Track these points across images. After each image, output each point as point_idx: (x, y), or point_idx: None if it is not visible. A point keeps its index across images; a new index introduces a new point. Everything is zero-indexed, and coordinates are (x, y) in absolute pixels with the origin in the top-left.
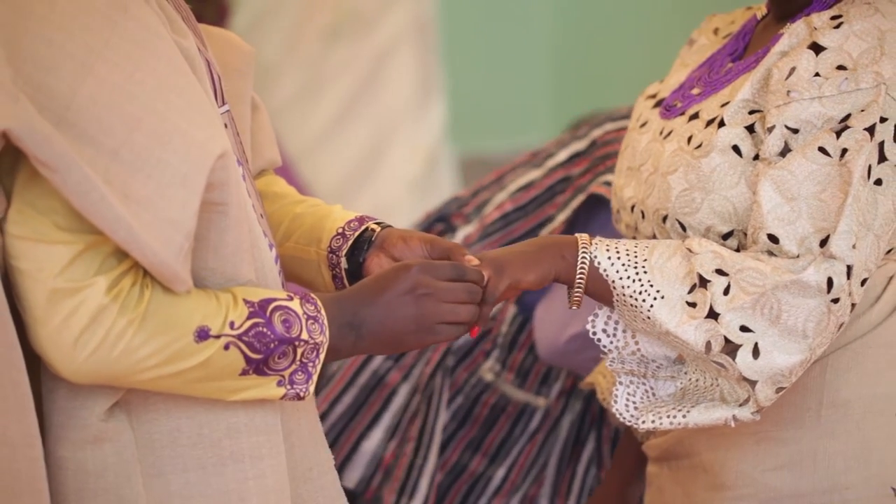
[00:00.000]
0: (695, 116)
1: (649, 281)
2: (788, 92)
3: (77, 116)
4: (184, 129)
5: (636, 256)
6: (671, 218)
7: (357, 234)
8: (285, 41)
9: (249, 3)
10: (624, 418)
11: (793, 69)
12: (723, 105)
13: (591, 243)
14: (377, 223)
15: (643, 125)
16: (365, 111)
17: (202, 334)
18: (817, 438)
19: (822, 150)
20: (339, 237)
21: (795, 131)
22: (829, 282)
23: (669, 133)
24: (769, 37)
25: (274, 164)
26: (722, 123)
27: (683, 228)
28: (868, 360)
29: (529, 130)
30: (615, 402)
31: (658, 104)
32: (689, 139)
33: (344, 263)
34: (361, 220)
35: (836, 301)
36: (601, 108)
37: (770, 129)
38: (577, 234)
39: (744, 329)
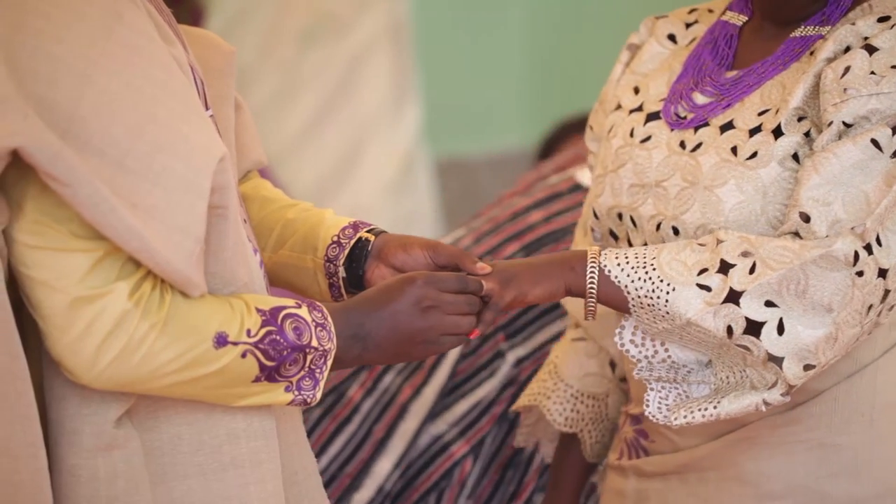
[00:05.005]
0: (728, 126)
1: (659, 277)
2: (846, 89)
3: (80, 128)
4: (185, 133)
5: (644, 258)
6: (723, 230)
7: (353, 242)
8: (260, 44)
9: (224, 6)
10: (656, 419)
11: (848, 68)
12: (760, 113)
13: (599, 253)
14: (369, 230)
15: (645, 140)
16: (341, 114)
17: (221, 340)
18: (870, 443)
19: (874, 142)
20: (334, 246)
21: (849, 126)
22: (856, 255)
23: (699, 146)
24: (774, 42)
25: (259, 165)
26: (779, 132)
27: None
28: None
29: (505, 133)
30: (647, 406)
31: (652, 117)
32: (734, 150)
33: (342, 273)
34: (355, 226)
35: (860, 274)
36: (577, 111)
37: (828, 125)
38: (586, 248)
39: (769, 304)
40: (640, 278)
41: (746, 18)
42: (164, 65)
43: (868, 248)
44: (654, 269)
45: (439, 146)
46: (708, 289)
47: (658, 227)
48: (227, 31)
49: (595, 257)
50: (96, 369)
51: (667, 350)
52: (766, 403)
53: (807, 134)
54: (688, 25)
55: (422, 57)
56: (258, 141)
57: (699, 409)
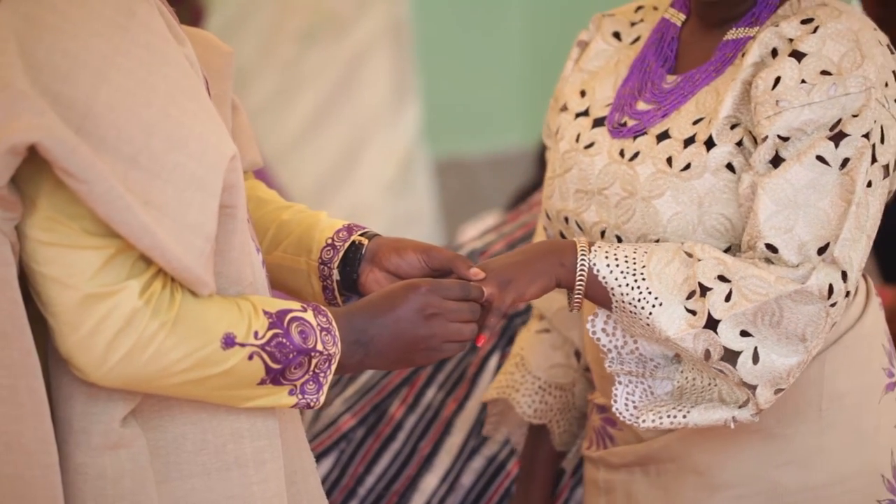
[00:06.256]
0: (664, 136)
1: (648, 288)
2: (777, 101)
3: (95, 125)
4: (198, 132)
5: (635, 263)
6: (664, 241)
7: (347, 244)
8: (260, 44)
9: (224, 6)
10: (624, 417)
11: (778, 78)
12: (695, 122)
13: (589, 249)
14: (363, 233)
15: (589, 146)
16: (340, 114)
17: (228, 341)
18: (820, 432)
19: (820, 158)
20: (328, 248)
21: (785, 139)
22: (830, 288)
23: (636, 155)
24: (710, 45)
25: (255, 166)
26: (711, 143)
27: None
28: (856, 352)
29: (504, 133)
30: (615, 401)
31: (598, 123)
32: (669, 160)
33: (336, 275)
34: (349, 229)
35: (833, 305)
36: None
37: (763, 140)
38: (575, 239)
39: (744, 334)
40: (627, 284)
41: (685, 17)
42: (177, 63)
43: (844, 276)
44: (643, 279)
45: (439, 146)
46: (694, 313)
47: (602, 234)
48: (228, 30)
49: (585, 252)
50: (105, 367)
51: (635, 342)
52: (735, 421)
53: (739, 143)
54: (633, 24)
55: (421, 57)
56: (254, 142)
57: (668, 416)
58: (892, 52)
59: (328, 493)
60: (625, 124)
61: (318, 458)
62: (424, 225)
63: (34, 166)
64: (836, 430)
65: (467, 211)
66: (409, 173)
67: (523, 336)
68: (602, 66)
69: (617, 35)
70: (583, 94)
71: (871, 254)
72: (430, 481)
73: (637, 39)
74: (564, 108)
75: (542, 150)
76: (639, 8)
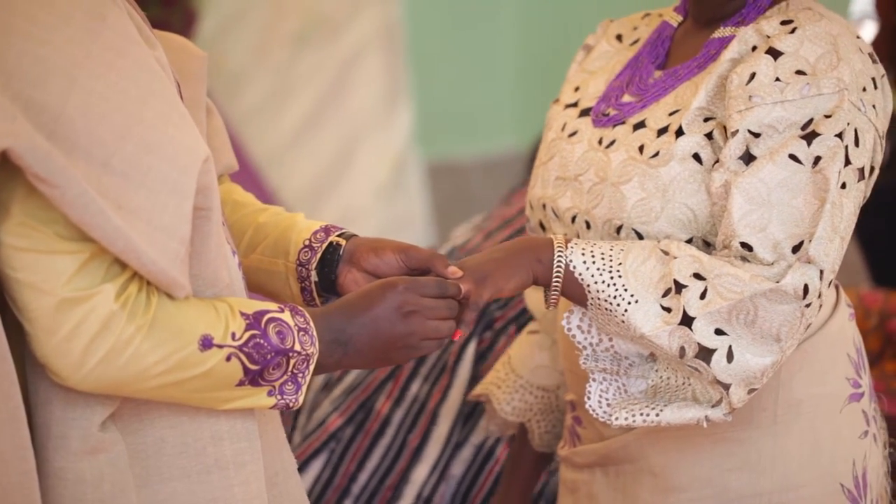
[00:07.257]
0: (640, 125)
1: (623, 285)
2: (750, 97)
3: (67, 130)
4: (171, 134)
5: (611, 260)
6: (627, 227)
7: (324, 245)
8: (253, 47)
9: (217, 9)
10: (597, 414)
11: (753, 74)
12: (671, 113)
13: (566, 246)
14: (340, 234)
15: (572, 134)
16: (333, 116)
17: (206, 343)
18: (774, 437)
19: (792, 157)
20: (306, 249)
21: (757, 135)
22: (805, 288)
23: (612, 142)
24: (698, 43)
25: (230, 169)
26: (681, 132)
27: (640, 237)
28: (816, 360)
29: (496, 136)
30: (588, 398)
31: (585, 113)
32: (641, 148)
33: (314, 277)
34: (327, 230)
35: (808, 305)
36: None
37: (734, 134)
38: (551, 236)
39: (718, 332)
40: (603, 281)
41: (682, 18)
42: (148, 66)
43: (821, 275)
44: (619, 276)
45: (431, 149)
46: (669, 310)
47: (573, 219)
48: (221, 33)
49: (562, 249)
50: (83, 371)
51: (611, 340)
52: (708, 420)
53: (709, 135)
54: (636, 28)
55: (414, 59)
56: (229, 145)
57: (641, 414)
58: (875, 62)
59: (321, 494)
60: (607, 114)
61: (309, 459)
62: (416, 228)
63: (6, 172)
64: (791, 436)
65: (459, 214)
66: (401, 176)
67: (518, 336)
68: (602, 66)
69: (619, 37)
70: (577, 89)
71: (861, 256)
72: (420, 472)
73: (637, 41)
74: (556, 101)
75: (535, 153)
76: (646, 15)
